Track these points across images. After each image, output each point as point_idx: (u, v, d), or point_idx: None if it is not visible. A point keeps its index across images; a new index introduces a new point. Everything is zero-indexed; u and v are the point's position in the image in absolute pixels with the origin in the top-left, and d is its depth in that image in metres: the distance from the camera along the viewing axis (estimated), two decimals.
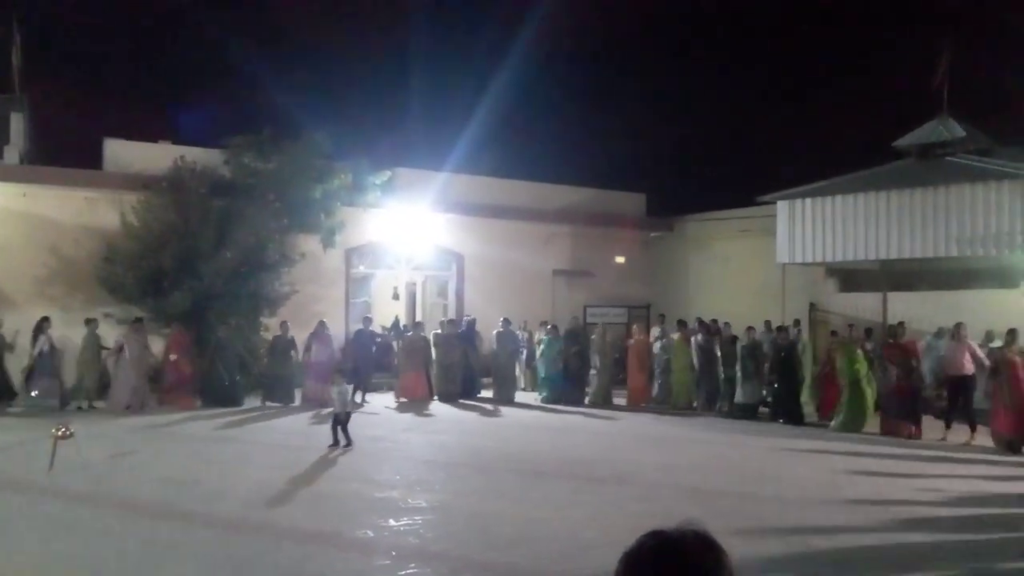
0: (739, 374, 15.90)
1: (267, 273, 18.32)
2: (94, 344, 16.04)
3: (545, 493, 9.38)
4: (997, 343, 13.67)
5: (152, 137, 19.86)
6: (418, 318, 21.16)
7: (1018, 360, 12.50)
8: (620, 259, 24.36)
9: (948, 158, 18.31)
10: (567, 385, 17.82)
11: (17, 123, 19.84)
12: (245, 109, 23.81)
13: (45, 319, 15.71)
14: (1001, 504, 9.07)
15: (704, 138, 31.71)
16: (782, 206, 19.57)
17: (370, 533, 7.57)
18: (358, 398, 16.65)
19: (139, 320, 16.42)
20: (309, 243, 19.22)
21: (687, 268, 24.45)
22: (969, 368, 13.51)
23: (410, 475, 10.38)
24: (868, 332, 16.57)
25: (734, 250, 22.92)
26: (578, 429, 14.62)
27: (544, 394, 18.04)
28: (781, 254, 19.67)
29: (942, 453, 12.25)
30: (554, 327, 18.53)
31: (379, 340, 19.29)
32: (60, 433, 9.84)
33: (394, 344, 19.67)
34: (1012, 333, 12.85)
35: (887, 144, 19.50)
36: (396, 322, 20.78)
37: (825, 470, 10.92)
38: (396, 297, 21.98)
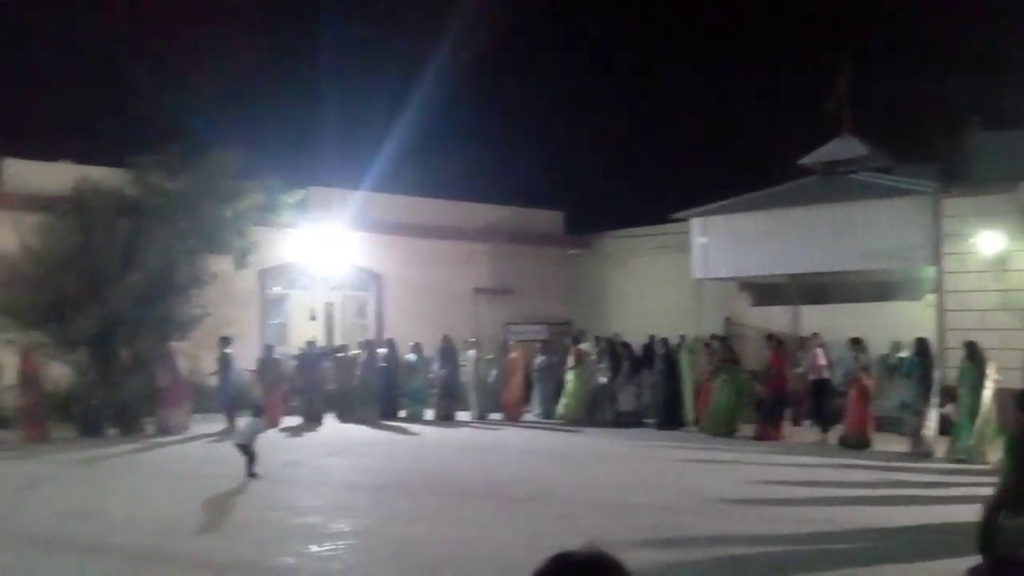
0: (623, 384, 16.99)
1: (177, 296, 17.68)
2: None
3: (468, 514, 9.25)
4: (904, 352, 14.40)
5: (53, 156, 19.07)
6: (336, 340, 20.82)
7: (861, 375, 14.04)
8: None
9: (851, 175, 18.98)
10: (442, 402, 18.23)
11: None
12: (151, 127, 23.05)
13: None
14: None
15: (620, 156, 32.14)
16: (696, 223, 19.94)
17: (292, 560, 7.32)
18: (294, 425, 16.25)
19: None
20: (221, 264, 18.68)
21: (606, 285, 24.67)
22: (824, 374, 15.22)
23: (331, 500, 10.13)
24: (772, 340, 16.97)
25: (651, 266, 23.24)
26: (492, 447, 14.58)
27: (408, 410, 18.31)
28: (696, 270, 20.02)
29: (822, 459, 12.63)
30: (416, 345, 18.83)
31: (295, 362, 18.96)
32: None
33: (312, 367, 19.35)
34: (858, 344, 14.35)
35: (793, 162, 20.10)
36: (312, 344, 20.33)
37: (740, 480, 11.08)
38: (313, 318, 21.55)
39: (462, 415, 18.10)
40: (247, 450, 11.16)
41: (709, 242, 19.71)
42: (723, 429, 15.36)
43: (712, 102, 31.18)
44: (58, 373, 16.22)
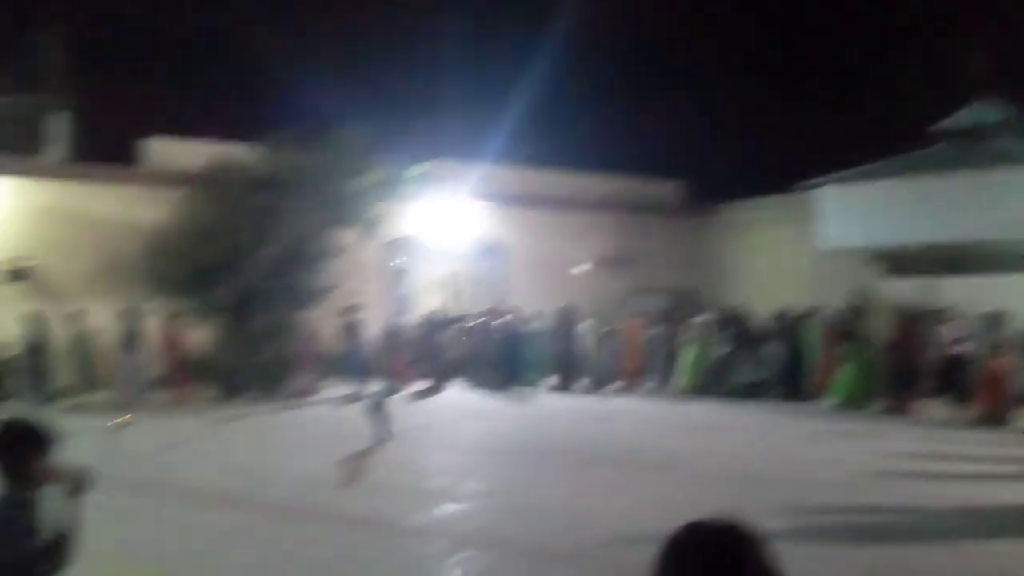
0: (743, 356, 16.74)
1: (308, 267, 18.46)
2: (83, 339, 16.02)
3: (594, 480, 9.36)
4: None
5: (194, 134, 20.10)
6: (458, 310, 21.24)
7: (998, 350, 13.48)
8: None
9: (989, 141, 17.96)
10: (560, 372, 18.26)
11: (62, 123, 20.21)
12: (284, 103, 23.96)
13: (37, 313, 15.75)
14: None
15: (743, 124, 31.34)
16: (825, 191, 19.34)
17: (424, 519, 7.61)
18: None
19: (131, 310, 16.40)
20: (348, 237, 19.33)
21: (728, 255, 24.24)
22: (959, 348, 14.56)
23: (461, 463, 10.43)
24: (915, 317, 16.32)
25: (776, 236, 22.67)
26: (614, 416, 14.63)
27: (526, 379, 18.31)
28: (824, 239, 19.43)
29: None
30: (534, 315, 18.90)
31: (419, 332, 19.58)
32: (120, 423, 10.07)
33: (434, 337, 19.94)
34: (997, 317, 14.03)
35: (927, 128, 19.17)
36: (436, 313, 20.83)
37: (869, 454, 10.76)
38: (437, 289, 22.04)
39: (578, 385, 18.19)
40: (379, 414, 11.61)
41: (837, 211, 19.08)
42: (849, 403, 14.94)
43: (836, 66, 29.98)
44: (200, 339, 17.20)
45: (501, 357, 18.83)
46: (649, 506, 7.91)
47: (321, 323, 18.23)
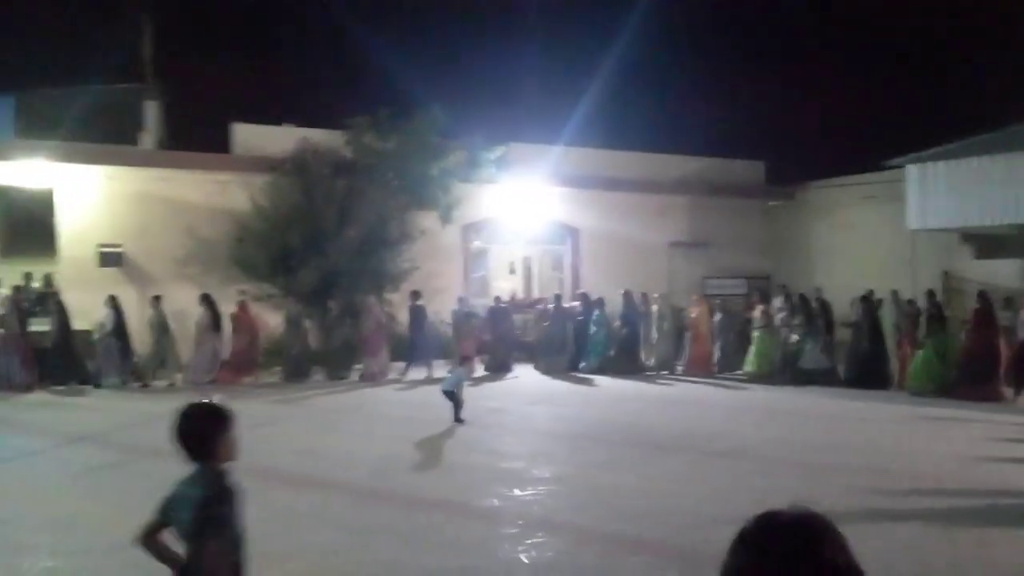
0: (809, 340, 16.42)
1: (388, 250, 18.84)
2: (160, 322, 16.42)
3: (666, 466, 9.38)
4: None
5: (277, 121, 20.62)
6: (532, 293, 21.38)
7: None
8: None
9: None
10: (618, 354, 18.16)
11: (152, 111, 20.98)
12: (363, 88, 24.36)
13: (112, 297, 16.25)
14: None
15: (825, 101, 30.50)
16: (912, 170, 18.74)
17: (496, 503, 7.76)
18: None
19: (206, 296, 16.85)
20: (427, 220, 19.63)
21: (809, 237, 23.73)
22: None
23: (533, 447, 10.55)
24: (1008, 301, 15.74)
25: (860, 217, 22.09)
26: (684, 401, 14.58)
27: (591, 363, 18.25)
28: (912, 220, 18.87)
29: None
30: (599, 299, 18.78)
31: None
32: None
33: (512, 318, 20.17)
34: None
35: (1016, 103, 18.35)
36: (512, 297, 21.03)
37: (951, 442, 10.48)
38: (512, 271, 22.20)
39: (643, 368, 18.16)
40: (454, 397, 11.81)
41: (926, 190, 18.47)
42: (927, 389, 14.56)
43: (927, 39, 28.87)
44: (274, 321, 17.63)
45: (568, 340, 18.85)
46: (723, 494, 7.89)
47: (399, 306, 18.58)
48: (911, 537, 6.72)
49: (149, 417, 12.44)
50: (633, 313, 18.51)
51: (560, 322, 18.97)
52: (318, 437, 11.17)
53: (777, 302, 18.04)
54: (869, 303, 16.44)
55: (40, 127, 18.80)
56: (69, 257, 17.89)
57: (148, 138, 20.42)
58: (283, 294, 17.72)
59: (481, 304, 20.04)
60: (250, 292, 17.62)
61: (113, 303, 16.16)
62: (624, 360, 18.18)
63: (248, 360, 16.88)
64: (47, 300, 16.89)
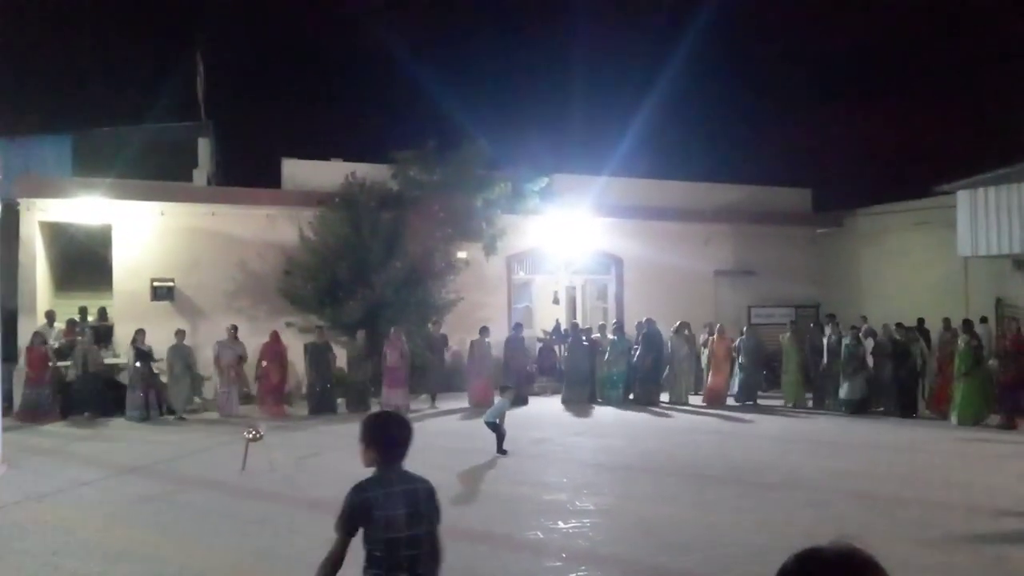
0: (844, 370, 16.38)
1: (434, 281, 19.02)
2: (182, 356, 16.47)
3: (713, 497, 9.28)
4: None
5: (325, 155, 21.01)
6: (579, 322, 21.32)
7: None
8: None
9: None
10: (637, 386, 18.07)
11: (204, 148, 21.52)
12: (409, 122, 24.72)
13: (139, 331, 16.31)
14: None
15: (871, 127, 30.22)
16: (963, 195, 18.44)
17: (540, 535, 7.75)
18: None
19: (233, 328, 16.94)
20: (472, 251, 19.79)
21: (858, 265, 23.39)
22: None
23: (577, 478, 10.51)
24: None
25: (910, 244, 21.74)
26: (731, 431, 14.41)
27: (607, 395, 18.15)
28: (962, 246, 18.53)
29: None
30: (618, 327, 18.76)
31: (540, 344, 19.84)
32: (251, 436, 10.60)
33: (556, 349, 20.18)
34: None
35: None
36: (557, 326, 21.02)
37: (1001, 473, 10.22)
38: (556, 302, 22.22)
39: (666, 398, 18.10)
40: (496, 428, 11.83)
41: (977, 215, 18.17)
42: (968, 419, 14.42)
43: (970, 64, 28.48)
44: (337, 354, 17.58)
45: (590, 370, 18.61)
46: (773, 525, 7.79)
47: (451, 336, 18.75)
48: (966, 572, 6.57)
49: (193, 450, 12.69)
50: (656, 342, 18.27)
51: (581, 353, 18.65)
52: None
53: (819, 328, 17.84)
54: (906, 331, 16.40)
55: (97, 165, 19.36)
56: (122, 291, 18.33)
57: (201, 175, 20.94)
58: (330, 326, 17.92)
59: (528, 334, 20.04)
60: (297, 324, 17.89)
61: (138, 340, 16.24)
62: (647, 392, 17.97)
63: (281, 392, 16.97)
64: (99, 333, 17.35)
